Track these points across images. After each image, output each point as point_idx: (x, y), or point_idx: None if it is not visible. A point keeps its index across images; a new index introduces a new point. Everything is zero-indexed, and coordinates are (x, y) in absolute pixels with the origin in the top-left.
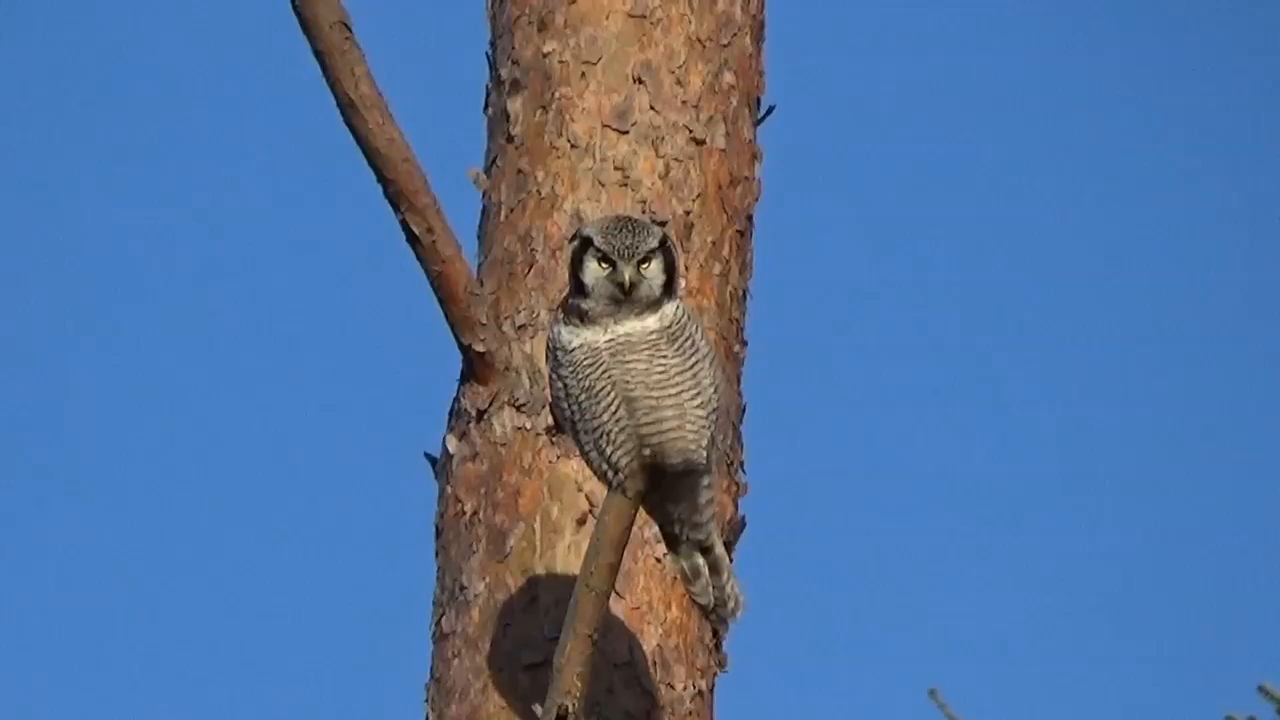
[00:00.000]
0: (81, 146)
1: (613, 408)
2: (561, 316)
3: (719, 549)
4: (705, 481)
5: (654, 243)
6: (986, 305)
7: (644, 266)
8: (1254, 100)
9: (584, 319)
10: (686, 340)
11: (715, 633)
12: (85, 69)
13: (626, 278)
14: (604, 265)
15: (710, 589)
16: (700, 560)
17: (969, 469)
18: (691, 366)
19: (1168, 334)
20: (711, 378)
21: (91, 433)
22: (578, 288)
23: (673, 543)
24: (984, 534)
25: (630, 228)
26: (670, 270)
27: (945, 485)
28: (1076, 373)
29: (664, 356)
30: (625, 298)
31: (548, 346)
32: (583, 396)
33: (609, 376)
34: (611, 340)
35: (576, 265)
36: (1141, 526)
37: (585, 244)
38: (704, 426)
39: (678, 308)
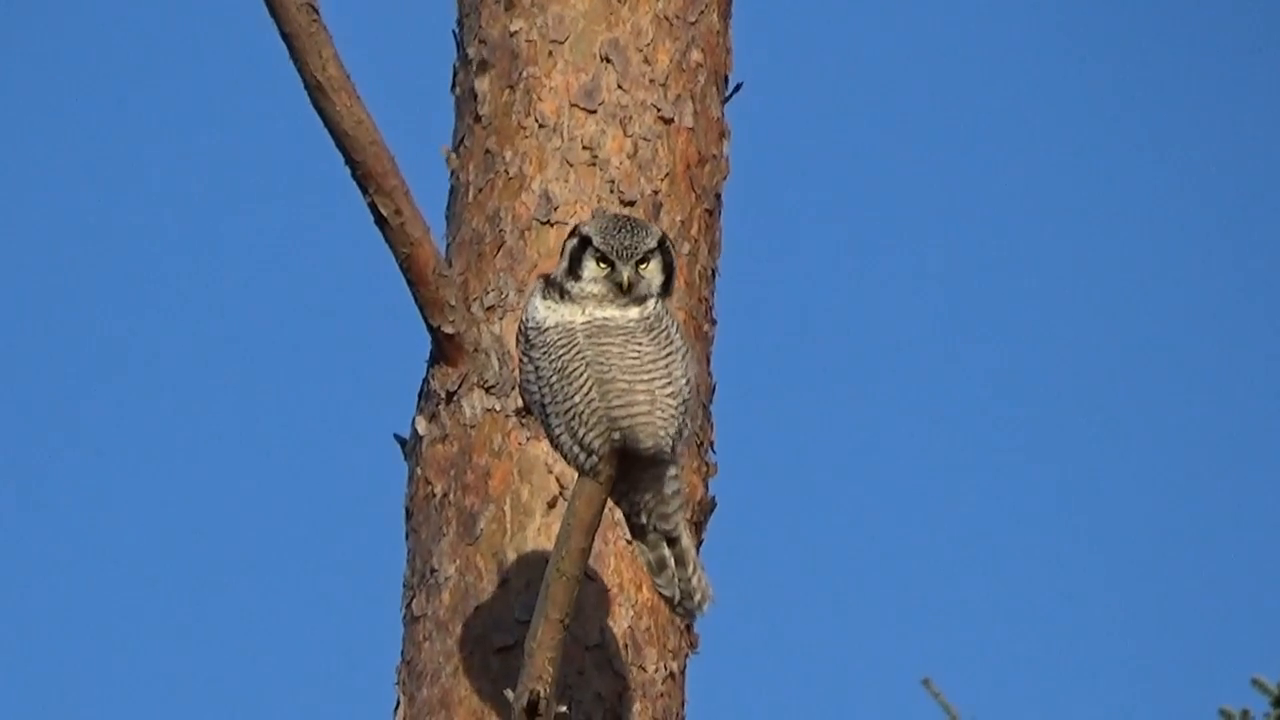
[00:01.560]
0: (46, 132)
1: (585, 389)
2: (541, 289)
3: (685, 541)
4: (672, 472)
5: (652, 243)
6: (962, 285)
7: (642, 266)
8: (1223, 103)
9: (564, 296)
10: (663, 332)
11: None
12: (46, 52)
13: (625, 278)
14: (602, 265)
15: (676, 581)
16: (666, 552)
17: (942, 449)
18: (665, 357)
19: (1157, 328)
20: (684, 371)
21: (53, 415)
22: (574, 279)
23: (639, 533)
24: (958, 514)
25: (629, 228)
26: (668, 270)
27: (917, 465)
28: (1052, 354)
29: (639, 344)
30: (624, 297)
31: (519, 328)
32: (554, 378)
33: (583, 358)
34: (588, 322)
35: (575, 263)
36: (1128, 515)
37: (584, 243)
38: (674, 416)
39: (658, 303)
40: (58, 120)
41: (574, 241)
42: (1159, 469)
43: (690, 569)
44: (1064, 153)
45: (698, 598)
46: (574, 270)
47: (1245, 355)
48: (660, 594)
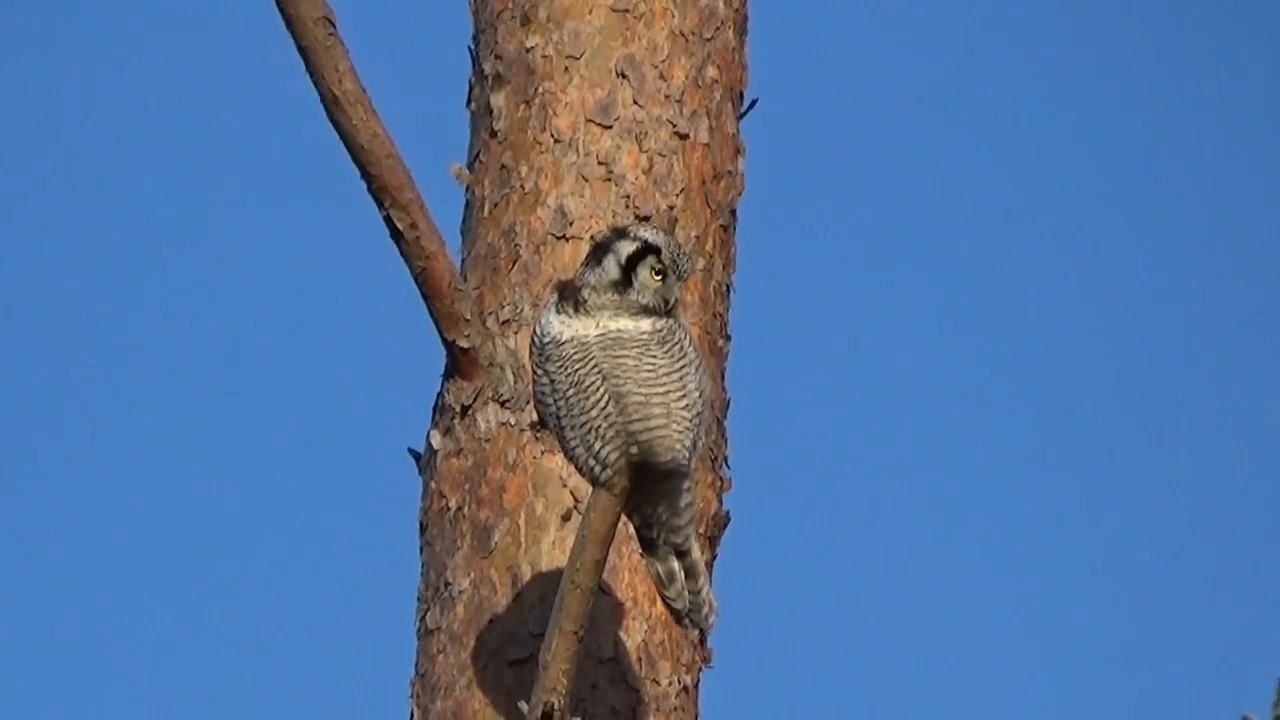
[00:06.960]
0: (64, 143)
1: (602, 403)
2: (555, 303)
3: (695, 554)
4: (685, 485)
5: (695, 268)
6: (974, 298)
7: (679, 286)
8: (1221, 102)
9: (579, 308)
10: (676, 345)
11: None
12: (66, 65)
13: (675, 297)
14: (657, 276)
15: (685, 593)
16: (676, 564)
17: (958, 463)
18: (679, 370)
19: (1169, 328)
20: (698, 384)
21: (74, 428)
22: (627, 285)
23: (649, 546)
24: (975, 528)
25: (685, 251)
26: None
27: (932, 479)
28: (1067, 367)
29: (653, 356)
30: (664, 312)
31: (532, 341)
32: (571, 392)
33: (599, 371)
34: (602, 335)
35: (629, 268)
36: (1131, 509)
37: (646, 250)
38: (689, 429)
39: (670, 318)
40: (69, 126)
41: (634, 246)
42: (1159, 463)
43: (699, 581)
44: (1084, 166)
45: (705, 610)
46: (627, 275)
47: (1250, 356)
48: (669, 606)
